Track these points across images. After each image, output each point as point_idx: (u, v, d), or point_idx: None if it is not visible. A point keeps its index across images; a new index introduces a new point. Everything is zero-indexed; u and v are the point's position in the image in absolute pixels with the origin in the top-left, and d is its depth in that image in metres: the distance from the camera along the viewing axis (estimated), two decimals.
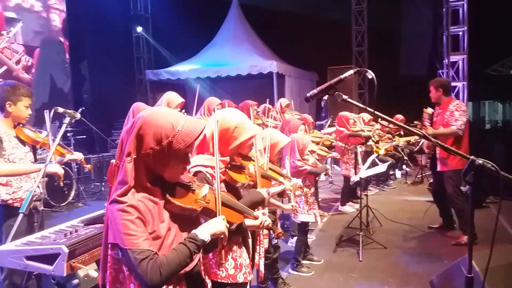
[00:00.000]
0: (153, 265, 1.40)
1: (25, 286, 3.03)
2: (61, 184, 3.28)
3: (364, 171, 4.97)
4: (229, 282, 2.16)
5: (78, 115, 3.12)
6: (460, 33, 10.45)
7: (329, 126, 8.14)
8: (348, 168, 6.38)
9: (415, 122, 8.98)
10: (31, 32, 9.04)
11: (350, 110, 7.19)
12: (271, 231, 2.21)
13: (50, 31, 9.65)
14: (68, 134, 7.97)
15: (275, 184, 2.74)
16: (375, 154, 5.87)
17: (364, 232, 4.94)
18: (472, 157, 1.47)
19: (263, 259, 2.57)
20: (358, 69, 2.01)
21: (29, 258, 2.14)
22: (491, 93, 10.95)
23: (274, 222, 2.52)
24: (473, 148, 4.88)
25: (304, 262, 4.39)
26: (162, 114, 1.53)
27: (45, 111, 3.06)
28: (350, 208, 6.63)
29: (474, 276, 1.62)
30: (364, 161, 5.61)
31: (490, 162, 1.45)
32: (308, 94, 1.70)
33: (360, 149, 6.58)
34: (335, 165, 8.99)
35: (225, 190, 2.05)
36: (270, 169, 2.81)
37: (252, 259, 2.40)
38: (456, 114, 4.83)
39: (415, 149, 9.10)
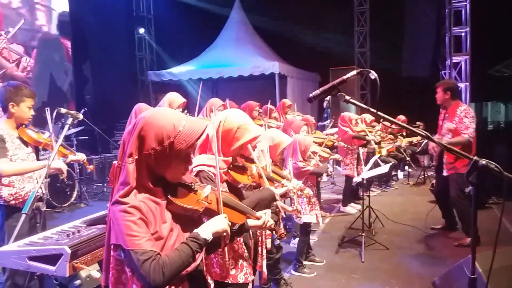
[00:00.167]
0: (156, 266, 1.39)
1: (27, 286, 3.03)
2: (65, 179, 3.28)
3: (367, 172, 4.96)
4: (230, 282, 2.16)
5: (80, 116, 3.11)
6: (463, 34, 10.44)
7: (332, 127, 8.14)
8: (352, 168, 6.36)
9: (418, 123, 9.00)
10: (27, 31, 9.01)
11: (352, 111, 7.18)
12: (274, 232, 2.21)
13: (45, 29, 9.58)
14: (71, 135, 7.99)
15: (277, 186, 2.74)
16: (378, 155, 5.86)
17: (366, 233, 4.92)
18: (475, 157, 1.46)
19: (265, 260, 2.57)
20: (361, 69, 2.01)
21: (32, 258, 2.14)
22: (493, 94, 10.91)
23: (277, 222, 2.52)
24: (476, 149, 4.87)
25: (306, 263, 4.39)
26: (164, 115, 1.53)
27: (46, 108, 3.05)
28: (352, 209, 6.62)
29: (477, 277, 1.61)
30: (366, 162, 5.60)
31: (494, 163, 1.45)
32: (310, 95, 1.69)
33: (362, 150, 6.57)
34: (337, 166, 8.98)
35: (227, 191, 2.05)
36: (272, 171, 2.81)
37: (254, 260, 2.40)
38: (466, 121, 4.74)
39: (418, 150, 9.09)
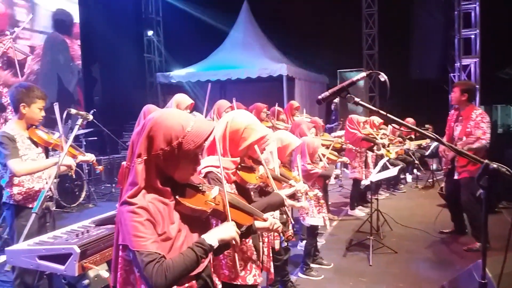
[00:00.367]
0: (159, 269, 1.40)
1: (36, 285, 3.05)
2: (73, 175, 3.30)
3: (375, 175, 4.94)
4: (239, 284, 2.16)
5: (90, 117, 3.14)
6: (472, 36, 10.36)
7: (340, 129, 8.12)
8: (361, 171, 6.34)
9: (426, 126, 8.94)
10: (33, 31, 9.03)
11: (360, 113, 7.15)
12: (281, 234, 2.21)
13: (50, 30, 9.58)
14: (80, 136, 8.04)
15: (285, 186, 2.74)
16: (386, 158, 5.82)
17: (374, 237, 4.90)
18: (486, 161, 1.45)
19: (272, 262, 2.56)
20: (371, 71, 2.00)
21: (42, 257, 2.17)
22: (503, 97, 10.79)
23: (286, 224, 2.52)
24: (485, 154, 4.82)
25: (313, 265, 4.37)
26: (172, 116, 1.54)
27: (55, 104, 3.06)
28: (360, 212, 6.59)
29: (487, 282, 1.60)
30: (375, 165, 5.57)
31: (505, 166, 1.43)
32: (319, 97, 1.69)
33: (371, 153, 6.55)
34: (344, 169, 8.95)
35: (236, 192, 2.05)
36: (280, 173, 2.80)
37: (261, 261, 2.40)
38: (484, 126, 4.64)
39: (426, 153, 9.03)
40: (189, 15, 12.64)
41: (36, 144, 3.15)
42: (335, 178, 8.40)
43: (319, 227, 4.33)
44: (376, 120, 6.95)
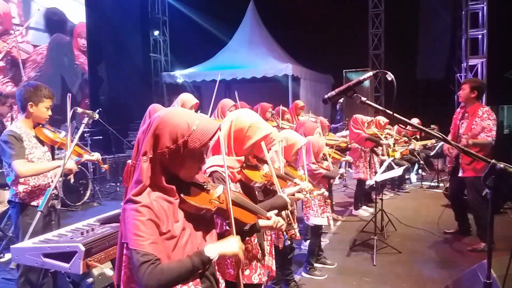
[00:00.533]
0: (153, 271, 1.39)
1: (41, 283, 3.07)
2: (71, 180, 3.32)
3: (380, 175, 4.92)
4: (244, 283, 2.16)
5: (96, 116, 3.15)
6: (480, 36, 10.30)
7: (346, 129, 8.11)
8: (365, 172, 6.32)
9: (432, 126, 8.90)
10: (37, 31, 9.01)
11: (365, 113, 7.13)
12: (285, 232, 2.21)
13: (55, 30, 9.56)
14: (85, 135, 8.09)
15: (290, 184, 2.74)
16: (391, 158, 5.81)
17: (379, 237, 4.88)
18: (493, 161, 1.44)
19: (273, 260, 2.56)
20: (377, 71, 1.99)
21: (47, 255, 2.17)
22: (510, 97, 10.74)
23: (290, 223, 2.51)
24: (492, 152, 4.79)
25: (317, 265, 4.37)
26: (178, 114, 1.55)
27: (68, 94, 3.07)
28: (365, 212, 6.57)
29: (492, 283, 1.59)
30: (381, 165, 5.56)
31: None
32: (326, 96, 1.69)
33: (376, 157, 6.53)
34: (349, 169, 8.94)
35: (240, 191, 2.05)
36: (285, 172, 2.80)
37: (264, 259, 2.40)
38: (490, 123, 4.60)
39: (431, 154, 9.00)
40: (195, 16, 12.68)
41: (42, 142, 3.17)
42: (339, 178, 8.38)
43: (323, 226, 4.33)
44: (382, 120, 6.94)
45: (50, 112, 3.16)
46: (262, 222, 1.98)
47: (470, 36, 10.34)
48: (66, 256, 2.13)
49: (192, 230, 1.57)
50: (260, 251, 2.27)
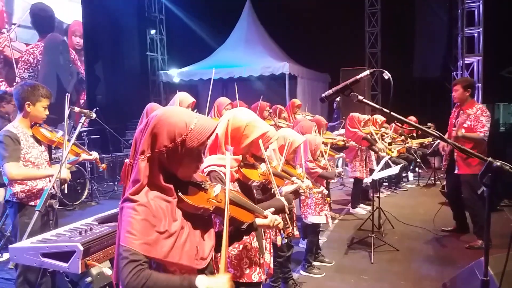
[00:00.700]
0: (137, 273, 1.37)
1: (40, 283, 3.07)
2: (65, 189, 3.31)
3: (377, 173, 4.94)
4: (244, 281, 2.17)
5: (93, 115, 3.14)
6: (476, 34, 10.33)
7: (343, 127, 8.12)
8: (362, 170, 6.34)
9: (429, 124, 8.94)
10: (31, 30, 8.87)
11: (362, 111, 7.15)
12: (282, 231, 2.22)
13: (50, 29, 9.40)
14: (83, 134, 8.07)
15: (288, 183, 2.75)
16: (388, 156, 5.83)
17: (376, 235, 4.90)
18: (489, 158, 1.45)
19: (272, 257, 2.57)
20: (374, 69, 2.00)
21: (45, 255, 2.17)
22: (506, 95, 10.79)
23: (288, 222, 2.51)
24: (488, 150, 4.82)
25: (315, 263, 4.38)
26: (176, 113, 1.55)
27: (67, 94, 3.05)
28: (362, 210, 6.59)
29: (489, 280, 1.60)
30: (378, 163, 5.57)
31: (508, 164, 1.43)
32: (323, 95, 1.69)
33: (372, 152, 6.54)
34: (347, 167, 8.95)
35: (238, 190, 2.06)
36: (283, 171, 2.81)
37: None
38: (482, 119, 4.69)
39: (428, 152, 9.03)
40: (192, 14, 12.66)
41: (39, 142, 3.16)
42: (337, 176, 8.39)
43: (321, 225, 4.34)
44: (379, 118, 6.96)
45: (47, 112, 3.16)
46: (259, 221, 1.98)
47: (466, 35, 10.36)
48: (65, 255, 2.13)
49: (190, 229, 1.57)
50: (259, 250, 2.27)
